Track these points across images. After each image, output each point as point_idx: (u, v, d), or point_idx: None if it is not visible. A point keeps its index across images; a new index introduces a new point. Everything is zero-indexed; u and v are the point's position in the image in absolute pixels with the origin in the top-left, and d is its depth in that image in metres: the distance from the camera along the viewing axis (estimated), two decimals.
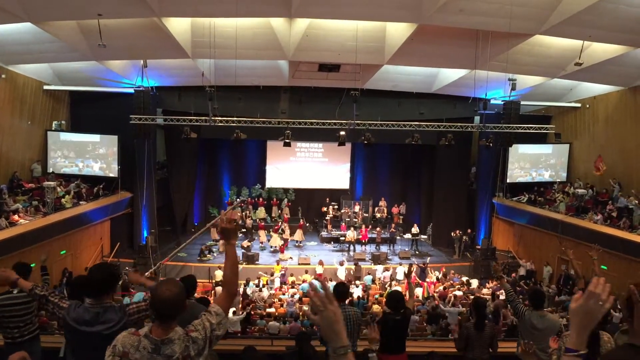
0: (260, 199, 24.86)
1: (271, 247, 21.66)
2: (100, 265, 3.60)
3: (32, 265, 5.42)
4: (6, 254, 13.82)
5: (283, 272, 18.62)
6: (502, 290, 16.81)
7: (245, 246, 20.24)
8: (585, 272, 7.10)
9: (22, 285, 4.08)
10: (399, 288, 16.76)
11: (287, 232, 22.11)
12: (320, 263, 19.05)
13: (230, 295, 3.10)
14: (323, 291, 1.95)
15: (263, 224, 23.15)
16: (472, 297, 15.12)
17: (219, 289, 16.14)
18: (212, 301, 3.45)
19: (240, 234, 22.19)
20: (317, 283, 1.99)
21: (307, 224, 24.01)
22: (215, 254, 20.76)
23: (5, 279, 4.29)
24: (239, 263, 3.17)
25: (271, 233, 22.00)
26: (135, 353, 2.63)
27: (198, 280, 5.94)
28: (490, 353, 5.90)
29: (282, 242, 21.46)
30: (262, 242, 21.91)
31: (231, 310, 11.05)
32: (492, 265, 11.30)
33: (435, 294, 16.79)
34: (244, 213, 23.45)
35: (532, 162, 22.75)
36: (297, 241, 22.35)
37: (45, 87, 18.81)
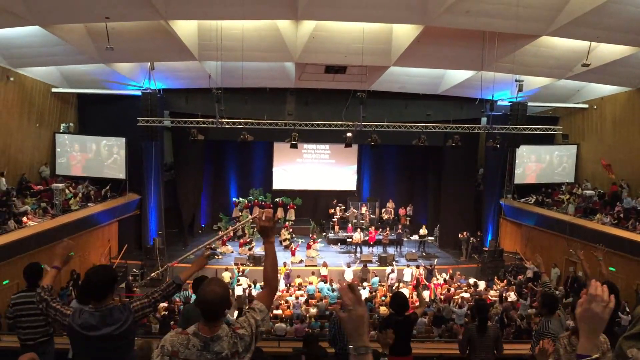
0: (267, 202, 24.88)
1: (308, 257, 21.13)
2: (98, 268, 3.55)
3: (42, 266, 5.41)
4: (15, 255, 13.94)
5: (288, 272, 18.62)
6: (510, 293, 16.85)
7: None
8: (594, 274, 7.06)
9: (46, 277, 3.84)
10: (406, 290, 16.76)
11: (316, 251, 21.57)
12: (325, 265, 19.03)
13: (272, 292, 3.23)
14: (353, 293, 2.02)
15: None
16: (476, 298, 15.09)
17: None
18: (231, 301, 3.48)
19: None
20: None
21: (317, 238, 23.19)
22: (221, 257, 20.81)
23: (65, 252, 4.06)
24: (277, 260, 3.28)
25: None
26: (185, 351, 2.68)
27: None
28: (495, 355, 5.89)
29: (294, 245, 21.45)
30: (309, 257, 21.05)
31: (235, 312, 11.09)
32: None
33: (441, 297, 16.78)
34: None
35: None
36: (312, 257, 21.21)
37: (54, 90, 18.93)
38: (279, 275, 18.07)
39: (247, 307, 3.08)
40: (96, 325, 3.33)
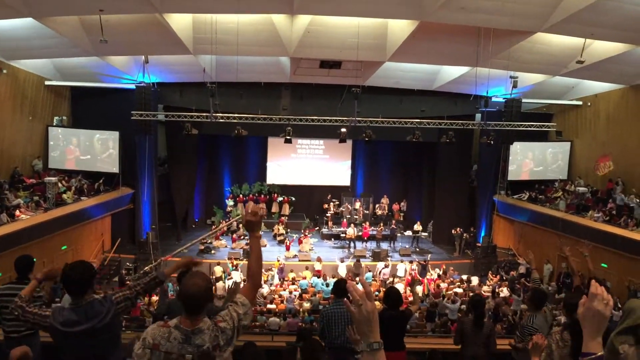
0: (262, 196, 24.90)
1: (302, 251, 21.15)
2: (75, 265, 3.52)
3: (34, 259, 5.38)
4: (7, 249, 13.85)
5: (282, 266, 18.63)
6: (502, 288, 16.92)
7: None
8: (581, 270, 7.07)
9: (27, 288, 3.84)
10: (401, 285, 16.82)
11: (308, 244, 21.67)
12: (319, 260, 19.07)
13: (255, 287, 3.22)
14: (363, 288, 2.03)
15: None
16: (472, 294, 15.12)
17: (219, 284, 16.17)
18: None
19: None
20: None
21: (311, 234, 23.05)
22: (214, 252, 20.82)
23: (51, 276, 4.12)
24: (262, 255, 3.27)
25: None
26: (166, 344, 2.66)
27: None
28: (487, 351, 5.91)
29: (289, 240, 21.45)
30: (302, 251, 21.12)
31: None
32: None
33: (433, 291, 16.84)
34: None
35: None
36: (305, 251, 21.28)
37: (47, 83, 18.82)
38: (273, 269, 18.14)
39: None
40: (78, 321, 3.30)
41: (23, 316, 3.46)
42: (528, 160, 22.73)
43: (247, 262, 18.71)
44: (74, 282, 3.39)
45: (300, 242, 21.41)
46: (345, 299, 2.23)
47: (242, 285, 15.37)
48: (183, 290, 2.78)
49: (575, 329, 2.10)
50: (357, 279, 18.07)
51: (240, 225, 22.51)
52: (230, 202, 24.72)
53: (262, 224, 19.17)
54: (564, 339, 3.92)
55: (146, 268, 17.64)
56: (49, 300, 4.88)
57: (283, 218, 23.97)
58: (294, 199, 25.15)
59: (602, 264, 16.12)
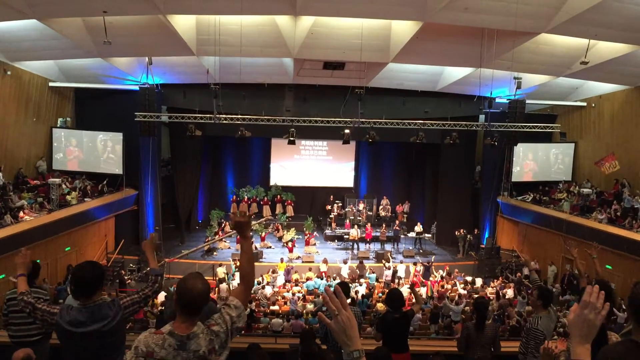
0: (265, 198, 24.87)
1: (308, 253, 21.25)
2: (85, 265, 3.49)
3: (38, 261, 5.36)
4: (11, 250, 13.86)
5: (289, 269, 18.58)
6: (507, 290, 16.86)
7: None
8: (588, 271, 7.04)
9: (19, 285, 3.79)
10: (406, 287, 16.77)
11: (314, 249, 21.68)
12: (325, 261, 19.03)
13: (248, 288, 3.16)
14: (337, 298, 1.98)
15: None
16: (476, 296, 15.07)
17: (222, 286, 16.17)
18: (214, 297, 3.44)
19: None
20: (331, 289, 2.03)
21: (315, 234, 22.99)
22: (216, 254, 20.85)
23: (24, 261, 4.05)
24: (254, 256, 3.20)
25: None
26: (161, 351, 2.61)
27: None
28: (492, 353, 5.87)
29: (291, 241, 21.44)
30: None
31: None
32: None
33: (436, 293, 16.79)
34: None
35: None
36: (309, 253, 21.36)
37: (51, 84, 18.86)
38: (278, 271, 18.09)
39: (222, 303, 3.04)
40: (85, 322, 3.28)
41: (33, 313, 3.47)
42: (531, 161, 22.66)
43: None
44: (83, 282, 3.36)
45: (307, 243, 21.37)
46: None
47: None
48: (182, 292, 2.72)
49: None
50: (361, 280, 18.09)
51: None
52: (242, 191, 24.89)
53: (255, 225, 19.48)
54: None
55: (148, 269, 17.68)
56: (53, 302, 4.87)
57: (285, 221, 23.90)
58: (291, 194, 25.17)
59: (607, 266, 16.04)
